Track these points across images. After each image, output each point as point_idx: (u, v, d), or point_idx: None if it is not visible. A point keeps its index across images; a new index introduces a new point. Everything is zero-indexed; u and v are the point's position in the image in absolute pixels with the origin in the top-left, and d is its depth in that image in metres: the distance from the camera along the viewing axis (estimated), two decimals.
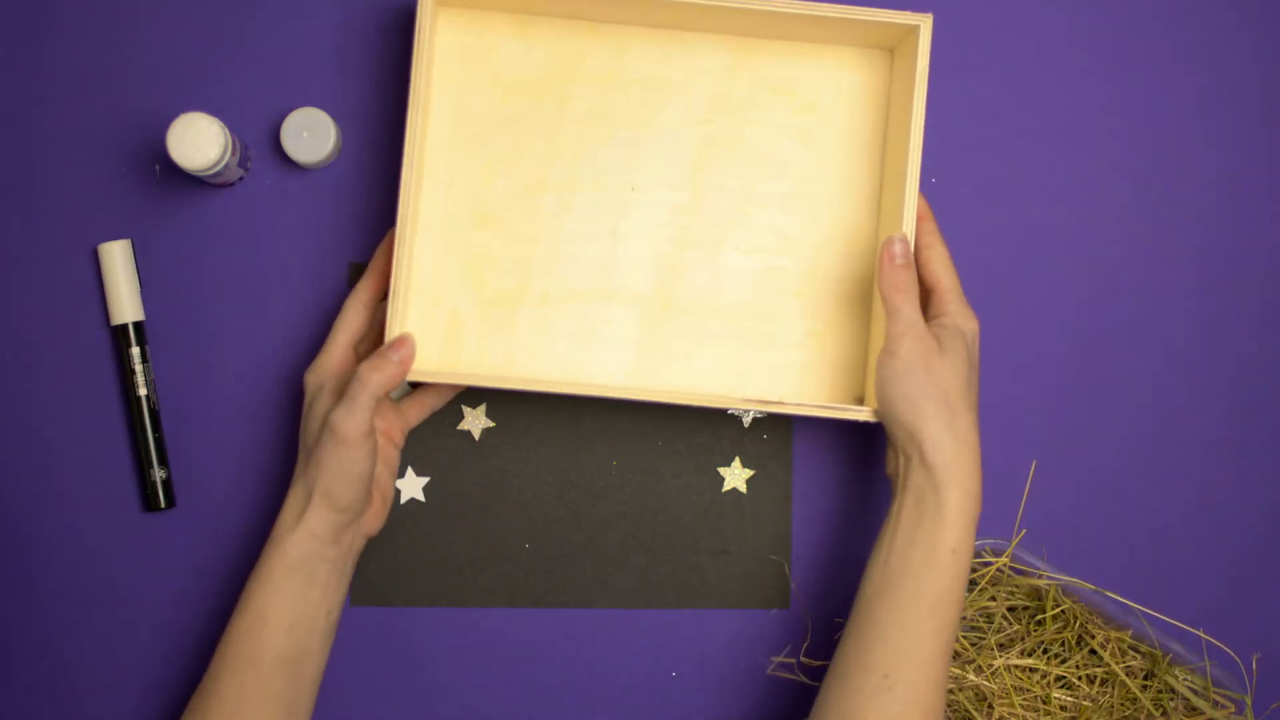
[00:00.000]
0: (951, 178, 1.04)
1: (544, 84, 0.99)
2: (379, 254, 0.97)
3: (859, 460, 1.03)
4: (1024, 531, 1.02)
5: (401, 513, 1.02)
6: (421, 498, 1.02)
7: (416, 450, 1.02)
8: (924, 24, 0.94)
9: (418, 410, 0.99)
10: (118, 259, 1.00)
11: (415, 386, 1.00)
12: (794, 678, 1.03)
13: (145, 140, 1.02)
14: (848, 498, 1.04)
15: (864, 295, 0.99)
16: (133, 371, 1.00)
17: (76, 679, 1.01)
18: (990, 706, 0.98)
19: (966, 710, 0.98)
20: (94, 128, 1.02)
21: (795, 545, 1.03)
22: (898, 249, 0.92)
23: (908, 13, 0.94)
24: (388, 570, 1.02)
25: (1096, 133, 1.04)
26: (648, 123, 0.99)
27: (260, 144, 1.02)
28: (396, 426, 0.97)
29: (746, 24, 0.97)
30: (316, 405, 0.93)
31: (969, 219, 1.04)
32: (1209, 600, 1.04)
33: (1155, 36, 1.04)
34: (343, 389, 0.92)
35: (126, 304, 1.00)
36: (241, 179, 1.01)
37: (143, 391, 1.00)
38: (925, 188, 1.04)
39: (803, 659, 1.03)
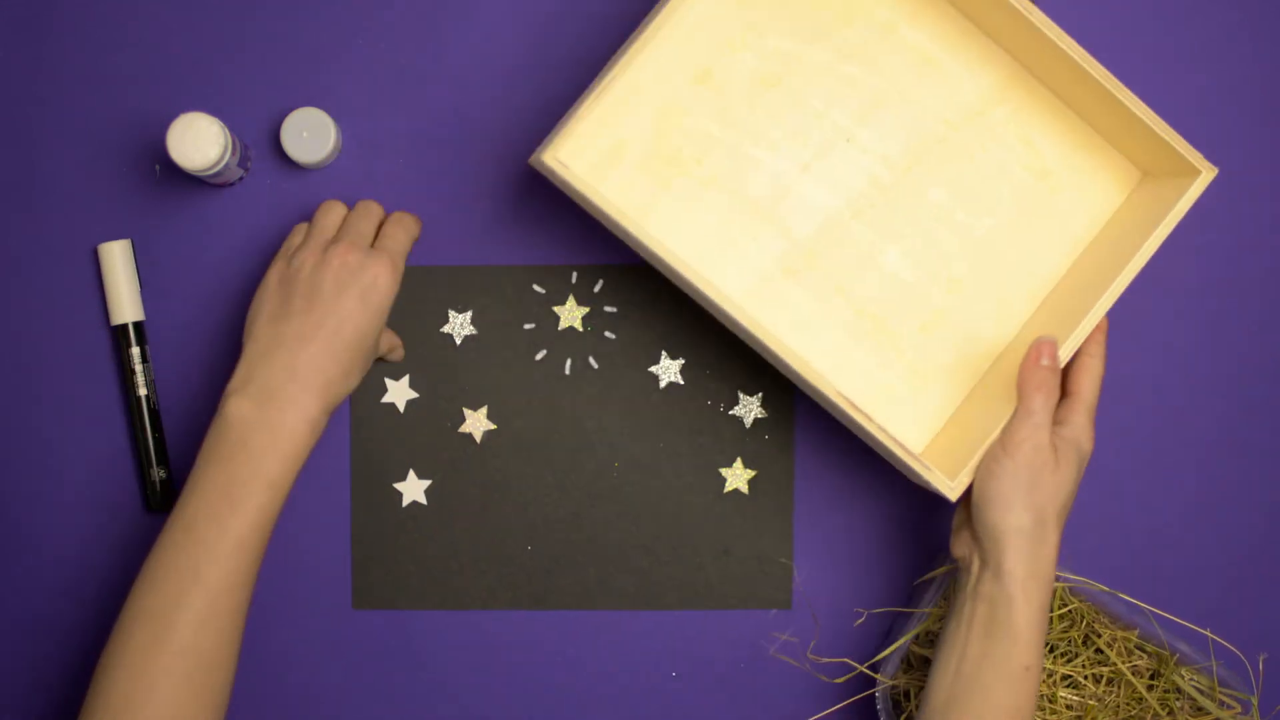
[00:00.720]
0: None
1: None
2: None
3: (861, 462, 1.03)
4: None
5: (404, 515, 1.01)
6: (424, 500, 1.01)
7: (418, 453, 1.02)
8: (1206, 173, 0.92)
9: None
10: (118, 259, 1.00)
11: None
12: (798, 664, 1.02)
13: (145, 140, 1.01)
14: (850, 498, 1.03)
15: (978, 367, 0.97)
16: (133, 371, 1.00)
17: (77, 679, 1.01)
18: None
19: None
20: (94, 128, 1.01)
21: (797, 545, 1.03)
22: (1045, 352, 0.90)
23: (1199, 154, 0.92)
24: (390, 574, 1.01)
25: None
26: (899, 90, 0.96)
27: (260, 144, 1.02)
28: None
29: (1030, 51, 0.95)
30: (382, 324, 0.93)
31: None
32: (1216, 600, 1.04)
33: (1155, 36, 1.05)
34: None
35: (126, 304, 1.00)
36: (241, 179, 1.01)
37: (143, 391, 1.00)
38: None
39: (810, 655, 1.02)
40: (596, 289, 1.02)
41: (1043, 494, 0.87)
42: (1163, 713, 0.98)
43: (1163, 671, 0.98)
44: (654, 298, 1.02)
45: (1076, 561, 1.03)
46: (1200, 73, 1.05)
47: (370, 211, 0.96)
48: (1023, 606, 0.86)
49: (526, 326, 1.02)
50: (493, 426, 1.02)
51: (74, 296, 1.01)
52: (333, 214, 0.96)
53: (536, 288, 1.02)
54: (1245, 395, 1.05)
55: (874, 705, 1.01)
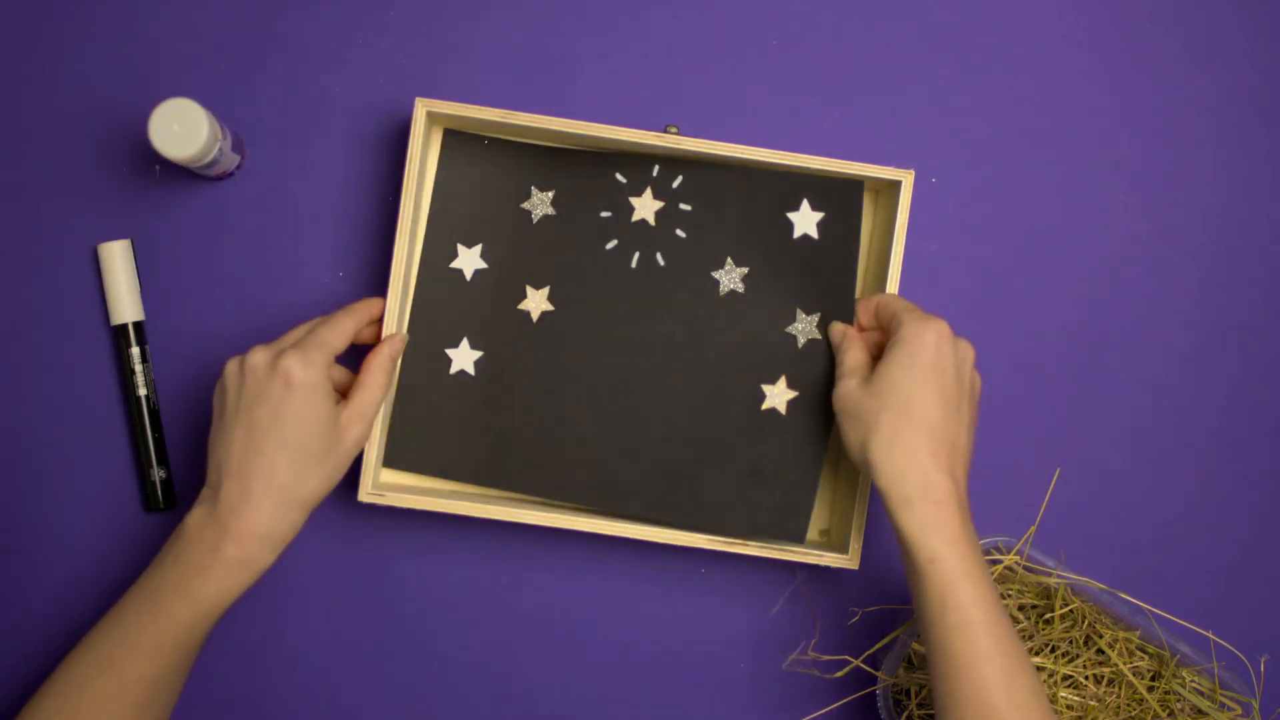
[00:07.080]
0: (951, 178, 1.04)
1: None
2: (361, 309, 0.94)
3: None
4: (1033, 529, 1.01)
5: (449, 382, 1.00)
6: (471, 371, 1.00)
7: (474, 324, 1.00)
8: (905, 180, 0.96)
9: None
10: (118, 259, 1.00)
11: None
12: (806, 670, 1.02)
13: (145, 140, 1.01)
14: None
15: (824, 426, 0.99)
16: (133, 371, 0.99)
17: None
18: None
19: None
20: (94, 128, 1.01)
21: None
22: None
23: (890, 168, 0.96)
24: (421, 438, 0.99)
25: (1096, 133, 1.05)
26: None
27: (262, 142, 1.01)
28: None
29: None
30: (328, 413, 0.88)
31: (968, 219, 1.04)
32: (1216, 600, 1.04)
33: (1155, 36, 1.05)
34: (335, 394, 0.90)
35: (126, 304, 1.00)
36: (240, 167, 1.00)
37: (143, 391, 1.00)
38: (926, 188, 1.04)
39: (811, 653, 1.02)
40: (675, 184, 1.00)
41: (879, 397, 0.90)
42: (1163, 714, 0.98)
43: (1163, 673, 0.98)
44: (725, 199, 1.00)
45: (1077, 561, 1.03)
46: (1200, 73, 1.05)
47: (336, 320, 0.92)
48: (900, 506, 0.87)
49: (603, 215, 1.00)
50: (550, 308, 1.00)
51: (74, 296, 1.01)
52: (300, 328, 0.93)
53: (619, 176, 1.00)
54: (1245, 395, 1.05)
55: (874, 704, 1.01)
